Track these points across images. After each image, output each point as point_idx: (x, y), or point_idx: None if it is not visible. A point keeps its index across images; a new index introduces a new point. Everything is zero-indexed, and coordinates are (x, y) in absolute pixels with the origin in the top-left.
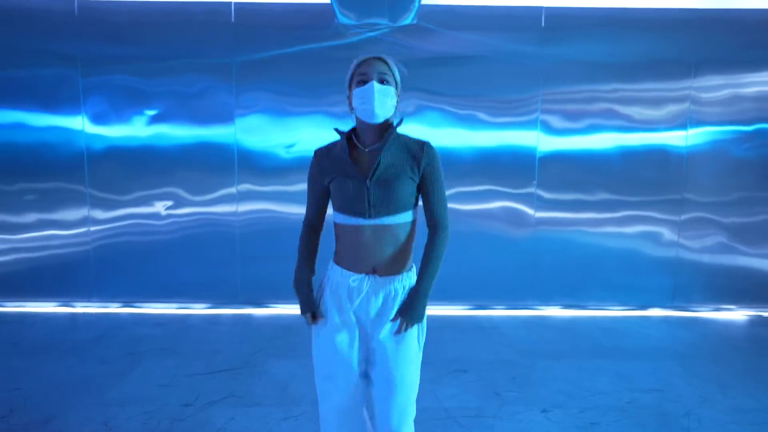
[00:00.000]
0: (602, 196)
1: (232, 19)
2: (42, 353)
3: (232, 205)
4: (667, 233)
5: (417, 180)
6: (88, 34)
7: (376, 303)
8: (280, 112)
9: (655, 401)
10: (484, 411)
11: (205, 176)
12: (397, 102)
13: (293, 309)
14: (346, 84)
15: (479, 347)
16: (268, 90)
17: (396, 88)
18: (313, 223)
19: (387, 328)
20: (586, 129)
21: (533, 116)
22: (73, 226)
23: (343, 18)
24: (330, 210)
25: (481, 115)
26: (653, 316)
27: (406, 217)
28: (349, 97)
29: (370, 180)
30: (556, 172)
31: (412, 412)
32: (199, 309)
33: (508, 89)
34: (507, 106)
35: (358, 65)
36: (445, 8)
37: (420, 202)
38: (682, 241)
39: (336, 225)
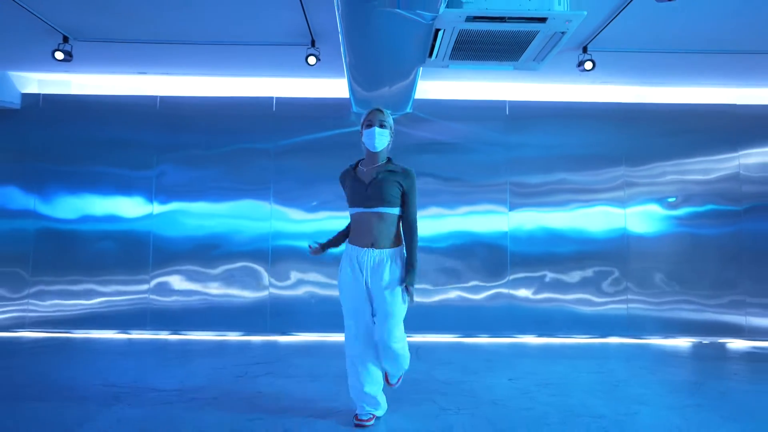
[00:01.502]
0: (564, 259)
1: (273, 110)
2: (111, 355)
3: (265, 256)
4: (619, 279)
5: (400, 190)
6: (165, 125)
7: (374, 266)
8: (308, 180)
9: (597, 377)
10: (464, 379)
11: (243, 224)
12: (390, 139)
13: (315, 336)
14: (360, 124)
15: (464, 354)
16: (299, 164)
17: (389, 131)
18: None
19: (383, 283)
20: (547, 204)
21: (503, 193)
22: (136, 282)
23: (357, 109)
24: None
25: (461, 194)
26: (612, 342)
27: (392, 210)
28: (361, 133)
29: (369, 184)
30: (525, 238)
31: (402, 333)
32: (233, 336)
33: (482, 173)
34: (481, 188)
35: (367, 114)
36: (433, 101)
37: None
38: (629, 284)
39: (350, 215)
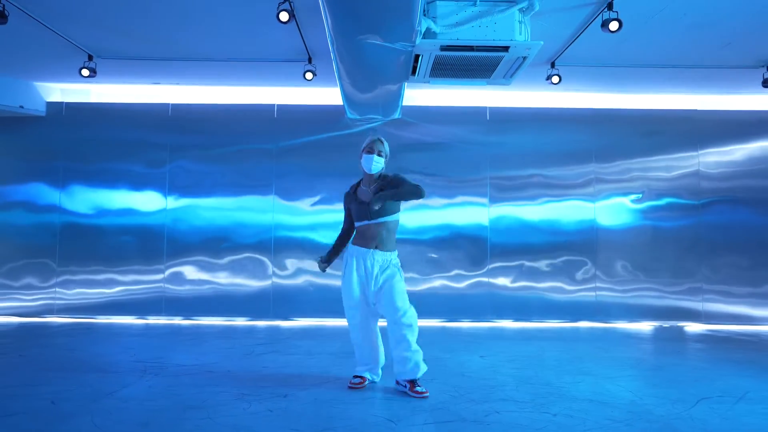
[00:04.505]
0: (539, 250)
1: (275, 116)
2: (133, 337)
3: (268, 248)
4: (589, 268)
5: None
6: (176, 128)
7: (380, 268)
8: (308, 177)
9: (558, 355)
10: (441, 357)
11: (248, 218)
12: (385, 163)
13: (314, 321)
14: (360, 149)
15: (446, 337)
16: (299, 164)
17: (384, 158)
18: (345, 230)
19: (384, 278)
20: (524, 199)
21: (484, 189)
22: (152, 272)
23: (351, 115)
24: None
25: (445, 189)
26: (582, 326)
27: (394, 218)
28: (360, 156)
29: (370, 202)
30: (504, 230)
31: (409, 307)
32: (240, 321)
33: (464, 170)
34: (463, 184)
35: (369, 142)
36: (421, 108)
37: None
38: (598, 273)
39: (356, 226)
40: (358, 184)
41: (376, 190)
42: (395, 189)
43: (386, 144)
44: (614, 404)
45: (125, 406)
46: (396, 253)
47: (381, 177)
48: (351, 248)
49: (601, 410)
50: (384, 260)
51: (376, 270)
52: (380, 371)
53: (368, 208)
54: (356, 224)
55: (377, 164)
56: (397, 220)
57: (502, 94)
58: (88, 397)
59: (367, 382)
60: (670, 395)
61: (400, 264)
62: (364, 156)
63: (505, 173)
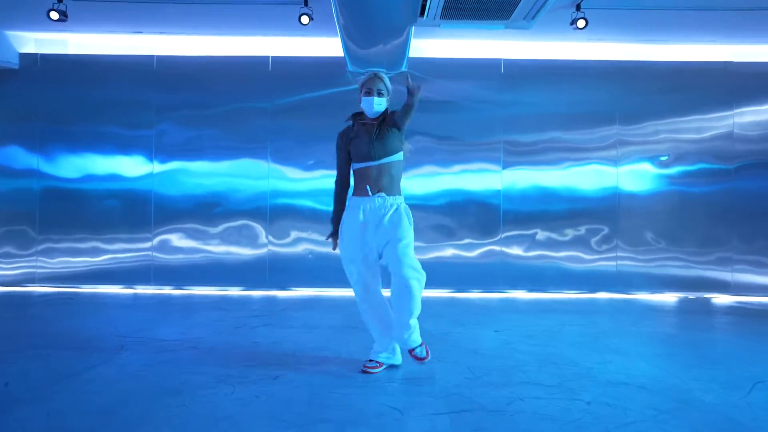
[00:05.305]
0: (556, 217)
1: (270, 69)
2: (117, 308)
3: (263, 214)
4: (610, 236)
5: (398, 128)
6: (163, 84)
7: (384, 212)
8: (305, 139)
9: (580, 329)
10: (451, 331)
11: (242, 183)
12: (388, 101)
13: (313, 291)
14: (358, 87)
15: (456, 308)
16: (296, 124)
17: (387, 97)
18: (343, 178)
19: (390, 224)
20: (540, 164)
21: (497, 153)
22: (139, 240)
23: (353, 68)
24: None
25: (456, 153)
26: (601, 297)
27: (396, 158)
28: (359, 98)
29: (373, 138)
30: (518, 196)
31: (416, 260)
32: (234, 291)
33: (476, 132)
34: (475, 147)
35: (366, 81)
36: (428, 60)
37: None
38: (620, 242)
39: (354, 171)
40: (355, 119)
41: (379, 130)
42: (403, 112)
43: (386, 78)
44: (654, 389)
45: (90, 389)
46: (402, 198)
47: (383, 116)
48: (351, 200)
49: (642, 397)
50: (387, 205)
51: (378, 216)
52: (398, 351)
53: (370, 145)
54: (355, 166)
55: (379, 105)
56: (401, 161)
57: (519, 44)
58: (50, 379)
59: (383, 368)
60: (717, 378)
61: (409, 209)
62: (364, 98)
63: (519, 134)
